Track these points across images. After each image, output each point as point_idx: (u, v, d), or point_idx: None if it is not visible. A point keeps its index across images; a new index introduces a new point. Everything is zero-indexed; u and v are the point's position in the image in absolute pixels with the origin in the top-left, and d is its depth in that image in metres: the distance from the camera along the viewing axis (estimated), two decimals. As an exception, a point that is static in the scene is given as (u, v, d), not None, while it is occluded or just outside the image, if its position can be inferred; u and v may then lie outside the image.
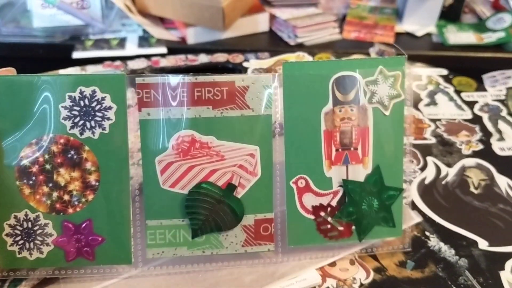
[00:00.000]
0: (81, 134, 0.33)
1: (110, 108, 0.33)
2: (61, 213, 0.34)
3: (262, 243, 0.36)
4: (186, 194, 0.35)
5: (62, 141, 0.33)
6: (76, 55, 0.75)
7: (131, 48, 0.76)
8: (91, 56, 0.74)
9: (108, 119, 0.33)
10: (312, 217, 0.37)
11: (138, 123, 0.34)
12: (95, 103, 0.33)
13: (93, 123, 0.33)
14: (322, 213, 0.37)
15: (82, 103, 0.33)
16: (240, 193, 0.35)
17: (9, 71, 0.34)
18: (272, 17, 0.85)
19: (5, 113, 0.33)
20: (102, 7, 0.82)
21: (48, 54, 0.79)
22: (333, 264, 0.38)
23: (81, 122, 0.33)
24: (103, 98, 0.33)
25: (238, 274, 0.37)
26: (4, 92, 0.33)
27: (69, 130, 0.33)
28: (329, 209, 0.37)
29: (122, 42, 0.78)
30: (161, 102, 0.33)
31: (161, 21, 0.85)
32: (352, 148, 0.36)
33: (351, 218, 0.37)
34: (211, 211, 0.35)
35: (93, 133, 0.33)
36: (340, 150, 0.36)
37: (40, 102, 0.33)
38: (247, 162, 0.35)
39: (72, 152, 0.33)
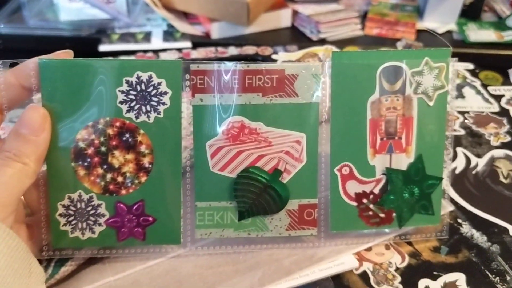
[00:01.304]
0: (137, 118, 0.34)
1: (165, 93, 0.34)
2: (114, 194, 0.35)
3: (306, 227, 0.37)
4: (234, 177, 0.36)
5: (118, 124, 0.34)
6: (103, 48, 0.75)
7: (157, 42, 0.77)
8: (118, 50, 0.75)
9: (163, 104, 0.34)
10: (354, 203, 0.38)
11: (188, 109, 0.35)
12: (151, 88, 0.34)
13: (148, 108, 0.34)
14: (365, 200, 0.38)
15: (138, 87, 0.34)
16: (285, 178, 0.37)
17: (67, 54, 0.35)
18: (294, 13, 0.86)
19: (62, 96, 0.33)
20: (128, 1, 0.83)
21: (75, 47, 0.78)
22: (369, 249, 0.39)
23: (137, 106, 0.34)
24: (159, 84, 0.34)
25: (278, 256, 0.38)
26: (61, 74, 0.33)
27: (125, 113, 0.34)
28: (371, 196, 0.38)
29: (147, 36, 0.79)
30: (214, 89, 0.35)
31: (185, 16, 0.86)
32: (396, 137, 0.37)
33: (392, 206, 0.38)
34: (257, 195, 0.36)
35: (148, 117, 0.34)
36: (384, 139, 0.37)
37: (96, 85, 0.33)
38: (293, 149, 0.36)
39: (127, 135, 0.34)
